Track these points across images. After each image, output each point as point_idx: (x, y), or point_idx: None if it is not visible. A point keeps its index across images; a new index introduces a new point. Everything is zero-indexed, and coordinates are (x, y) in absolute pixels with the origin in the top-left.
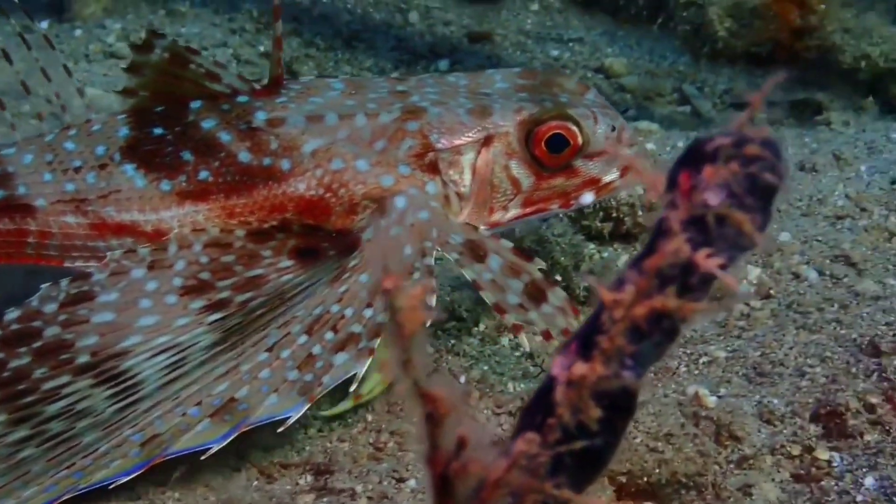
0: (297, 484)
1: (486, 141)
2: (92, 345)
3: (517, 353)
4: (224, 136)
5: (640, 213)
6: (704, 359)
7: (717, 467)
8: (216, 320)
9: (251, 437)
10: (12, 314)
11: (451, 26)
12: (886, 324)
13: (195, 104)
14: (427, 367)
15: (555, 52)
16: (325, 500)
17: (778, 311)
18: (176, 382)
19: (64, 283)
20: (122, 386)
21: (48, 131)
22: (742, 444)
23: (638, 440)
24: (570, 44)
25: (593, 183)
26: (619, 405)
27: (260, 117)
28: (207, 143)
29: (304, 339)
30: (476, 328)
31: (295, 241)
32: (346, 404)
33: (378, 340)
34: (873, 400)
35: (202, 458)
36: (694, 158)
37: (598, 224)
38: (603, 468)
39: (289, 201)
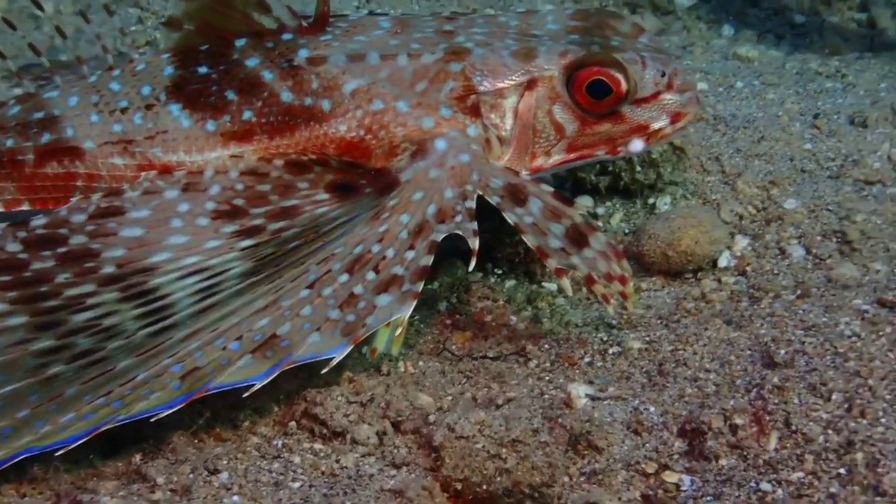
0: None
1: (530, 84)
2: (118, 257)
3: None
4: (267, 75)
5: (638, 168)
6: (615, 349)
7: (566, 479)
8: (248, 247)
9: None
10: (39, 220)
11: None
12: (808, 327)
13: (240, 42)
14: None
15: None
16: None
17: (736, 293)
18: (212, 312)
19: (95, 197)
20: (153, 306)
21: (90, 73)
22: (600, 456)
23: (479, 445)
24: None
25: (641, 130)
26: None
27: (302, 55)
28: (251, 83)
29: (345, 277)
30: None
31: (332, 176)
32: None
33: (421, 284)
34: (738, 420)
35: (245, 395)
36: None
37: (595, 178)
38: None
39: (330, 142)
